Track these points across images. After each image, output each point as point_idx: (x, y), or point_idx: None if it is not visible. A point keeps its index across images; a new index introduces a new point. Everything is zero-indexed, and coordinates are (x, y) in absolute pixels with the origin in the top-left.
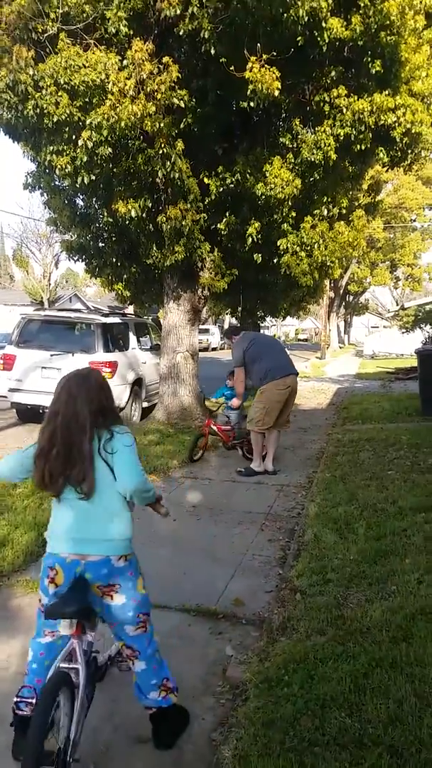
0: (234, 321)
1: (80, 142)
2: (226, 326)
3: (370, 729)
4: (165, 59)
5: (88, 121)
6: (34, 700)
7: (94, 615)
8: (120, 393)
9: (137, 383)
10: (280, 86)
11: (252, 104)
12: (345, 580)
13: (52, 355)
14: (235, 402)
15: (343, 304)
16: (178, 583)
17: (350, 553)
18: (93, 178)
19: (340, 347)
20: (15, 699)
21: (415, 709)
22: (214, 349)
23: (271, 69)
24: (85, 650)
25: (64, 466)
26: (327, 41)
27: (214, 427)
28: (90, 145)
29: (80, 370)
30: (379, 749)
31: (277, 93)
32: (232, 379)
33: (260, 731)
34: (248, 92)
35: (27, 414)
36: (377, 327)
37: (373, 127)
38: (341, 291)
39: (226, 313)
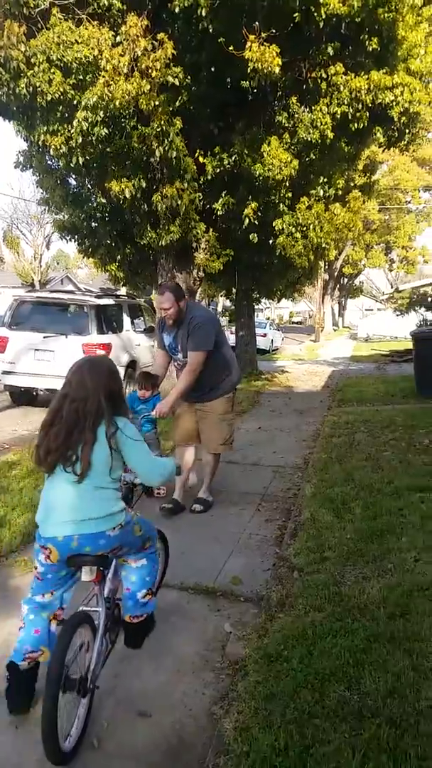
0: (228, 303)
1: (75, 123)
2: (219, 309)
3: (369, 702)
4: (160, 35)
5: (83, 102)
6: (34, 653)
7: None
8: None
9: (131, 365)
10: (280, 64)
11: (253, 83)
12: (342, 558)
13: (45, 337)
14: (163, 408)
15: (338, 286)
16: (177, 562)
17: (347, 532)
18: (87, 158)
19: (335, 330)
20: (8, 660)
21: (412, 682)
22: None
23: (271, 47)
24: (106, 597)
25: (61, 445)
26: (324, 17)
27: None
28: (85, 126)
29: (93, 356)
30: (378, 721)
31: (278, 71)
32: (146, 384)
33: (261, 705)
34: (248, 71)
35: (21, 397)
36: (371, 310)
37: (370, 105)
38: (336, 273)
39: (221, 295)
